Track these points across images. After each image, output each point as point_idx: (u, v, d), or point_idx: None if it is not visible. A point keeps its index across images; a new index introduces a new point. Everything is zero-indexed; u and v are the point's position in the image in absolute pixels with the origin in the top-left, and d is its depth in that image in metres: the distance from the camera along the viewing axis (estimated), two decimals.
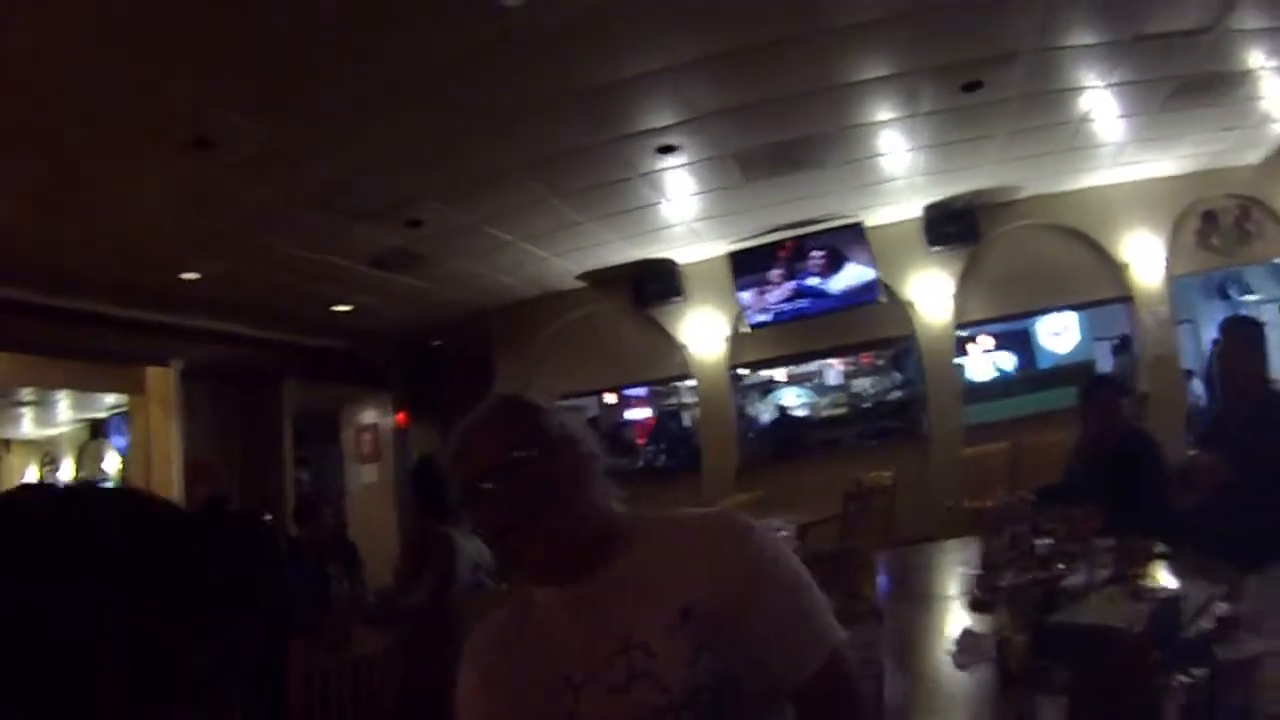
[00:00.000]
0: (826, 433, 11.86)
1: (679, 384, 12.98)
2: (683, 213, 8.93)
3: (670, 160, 7.27)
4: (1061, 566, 3.23)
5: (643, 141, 6.82)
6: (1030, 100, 7.23)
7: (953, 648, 2.68)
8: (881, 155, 8.15)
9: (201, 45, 4.49)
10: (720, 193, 8.44)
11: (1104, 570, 3.19)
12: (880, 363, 13.01)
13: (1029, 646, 2.16)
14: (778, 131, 7.08)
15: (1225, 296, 15.50)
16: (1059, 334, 14.94)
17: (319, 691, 3.54)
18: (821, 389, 13.72)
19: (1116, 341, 12.82)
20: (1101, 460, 4.47)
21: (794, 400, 13.42)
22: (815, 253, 9.97)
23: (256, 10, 4.31)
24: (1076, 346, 15.12)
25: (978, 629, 2.78)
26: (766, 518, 7.44)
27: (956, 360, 10.90)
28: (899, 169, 8.64)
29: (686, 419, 14.02)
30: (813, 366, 13.09)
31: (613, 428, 13.79)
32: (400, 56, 5.02)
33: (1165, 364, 10.55)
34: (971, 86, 6.63)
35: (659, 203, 8.40)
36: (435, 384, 12.44)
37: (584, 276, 10.60)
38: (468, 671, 1.68)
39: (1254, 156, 10.33)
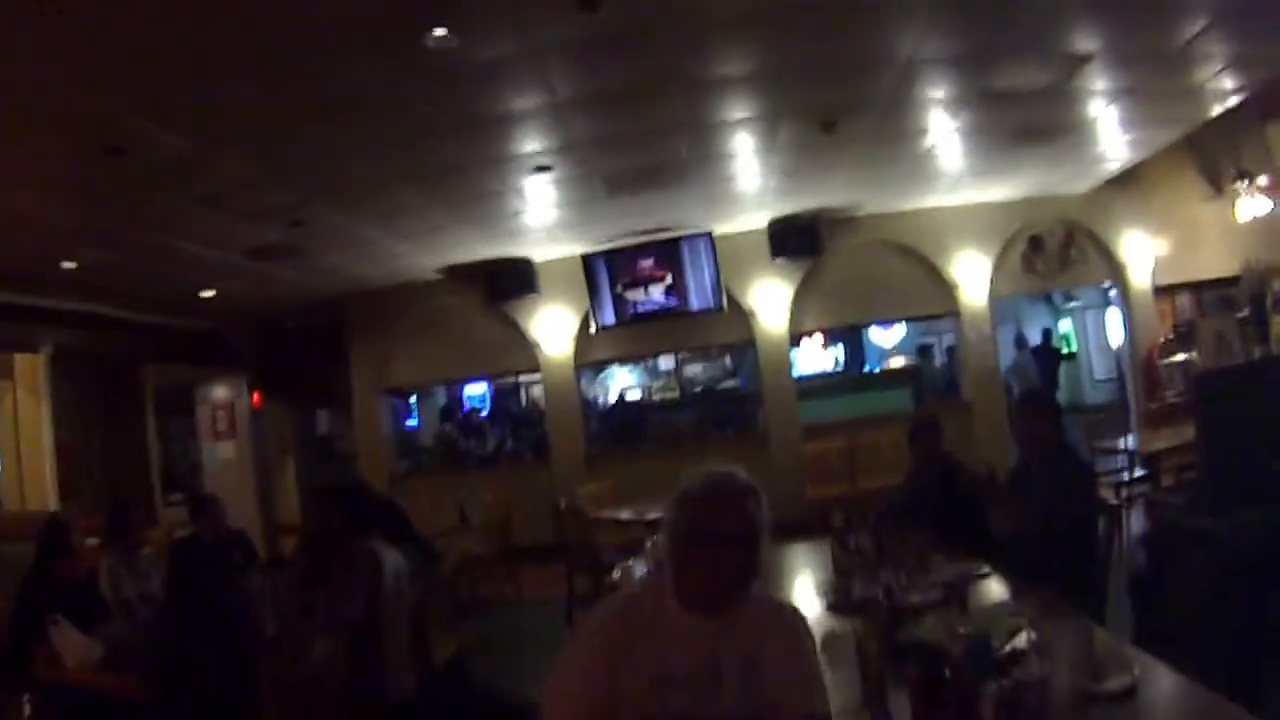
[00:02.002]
0: (662, 416, 12.85)
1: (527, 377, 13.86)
2: (544, 219, 9.62)
3: (542, 176, 8.01)
4: (903, 584, 3.74)
5: (520, 162, 7.55)
6: (880, 137, 8.16)
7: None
8: (737, 178, 9.08)
9: (125, 57, 4.76)
10: (582, 204, 9.17)
11: (935, 591, 3.67)
12: (713, 350, 13.93)
13: (882, 655, 2.64)
14: (643, 157, 7.91)
15: (1049, 300, 17.39)
16: (888, 328, 16.39)
17: (286, 706, 4.09)
18: (654, 373, 14.75)
19: (918, 345, 14.56)
20: (929, 489, 5.31)
21: (627, 381, 14.58)
22: (665, 259, 10.79)
23: (178, 28, 4.55)
24: (902, 341, 16.61)
25: (838, 631, 3.36)
26: (624, 507, 8.52)
27: (794, 363, 12.02)
28: (751, 189, 9.50)
29: (524, 398, 15.19)
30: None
31: (464, 414, 14.66)
32: (307, 81, 5.43)
33: (987, 377, 11.79)
34: (828, 127, 7.52)
35: (524, 211, 9.19)
36: (290, 364, 12.82)
37: (443, 270, 11.21)
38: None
39: (1081, 187, 11.59)
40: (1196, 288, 12.32)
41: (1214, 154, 11.56)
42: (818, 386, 12.57)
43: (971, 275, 11.65)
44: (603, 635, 2.39)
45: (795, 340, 12.24)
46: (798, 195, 10.02)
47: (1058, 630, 2.66)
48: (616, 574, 4.99)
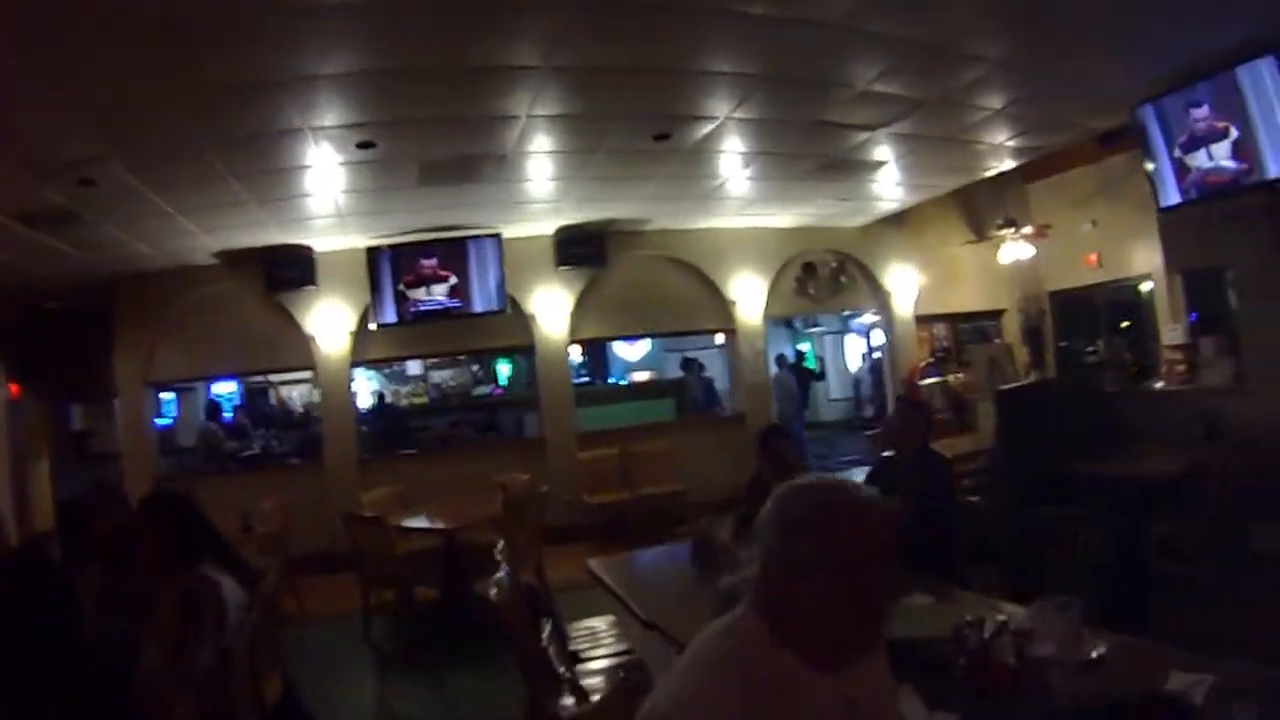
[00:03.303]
0: (421, 421, 13.11)
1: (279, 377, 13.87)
2: (339, 204, 9.08)
3: (355, 155, 7.49)
4: None
5: (343, 135, 7.03)
6: (697, 154, 8.58)
7: None
8: (548, 180, 9.15)
9: None
10: (387, 192, 8.88)
11: None
12: (461, 357, 14.15)
13: None
14: (466, 146, 7.70)
15: (790, 325, 19.09)
16: (634, 342, 17.27)
17: None
18: (402, 377, 14.99)
19: (681, 358, 15.23)
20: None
21: (374, 385, 14.66)
22: (451, 258, 10.86)
23: None
24: (646, 355, 17.78)
25: None
26: (410, 514, 8.55)
27: (571, 370, 12.48)
28: (550, 193, 9.67)
29: (272, 396, 15.18)
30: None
31: (233, 412, 14.37)
32: (113, 11, 4.69)
33: (759, 390, 12.66)
34: (661, 138, 7.87)
35: (322, 194, 8.69)
36: (50, 351, 11.95)
37: (220, 255, 10.52)
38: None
39: (857, 221, 12.74)
40: (953, 319, 13.74)
41: (979, 205, 13.10)
42: (587, 394, 13.22)
43: (748, 294, 12.52)
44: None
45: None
46: (590, 204, 10.34)
47: (1041, 616, 3.06)
48: (493, 592, 4.25)
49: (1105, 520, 4.79)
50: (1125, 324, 12.83)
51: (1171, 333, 10.30)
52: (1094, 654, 2.98)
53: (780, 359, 15.06)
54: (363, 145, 7.26)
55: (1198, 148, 7.65)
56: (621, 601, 4.61)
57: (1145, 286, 12.39)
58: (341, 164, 7.74)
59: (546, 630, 4.51)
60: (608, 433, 11.97)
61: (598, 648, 5.09)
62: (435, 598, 7.91)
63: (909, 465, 5.34)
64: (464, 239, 10.84)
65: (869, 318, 18.29)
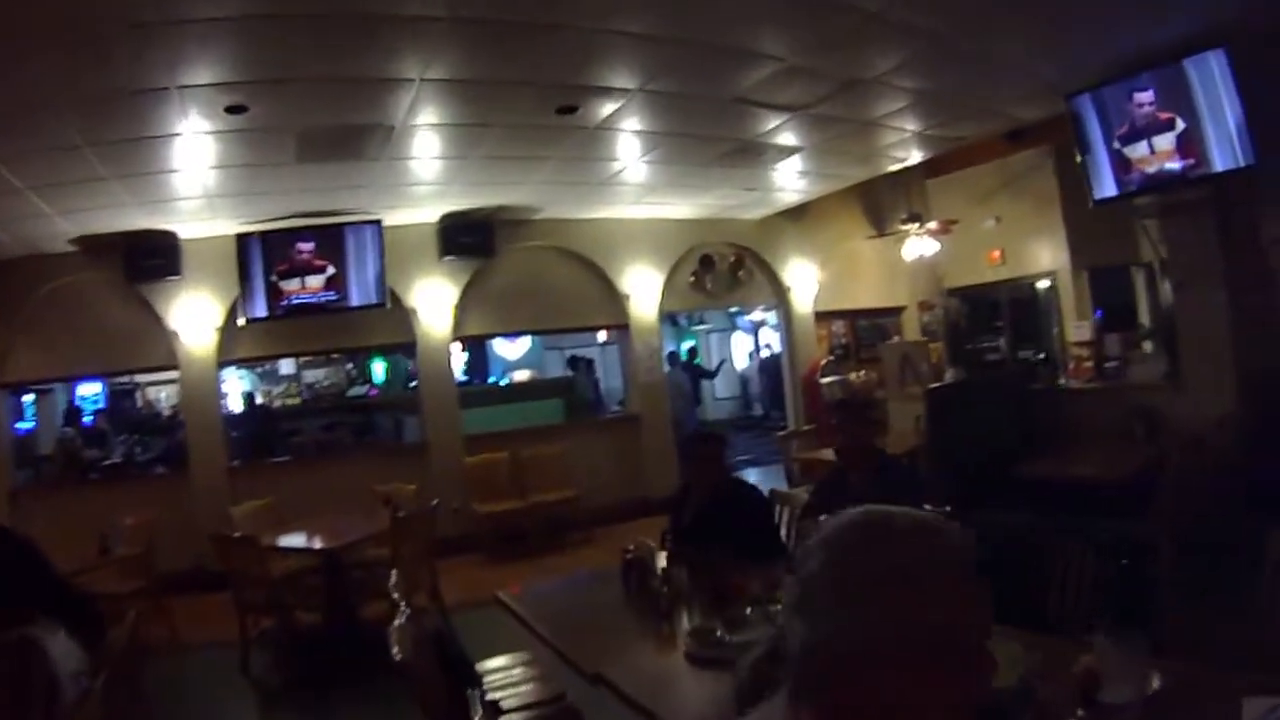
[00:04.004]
0: (293, 425, 12.24)
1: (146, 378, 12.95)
2: (205, 182, 8.22)
3: (226, 122, 6.62)
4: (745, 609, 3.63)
5: (210, 97, 6.13)
6: (599, 134, 8.05)
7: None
8: (435, 159, 8.47)
9: None
10: (259, 170, 8.11)
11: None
12: (335, 355, 13.33)
13: None
14: (349, 115, 6.90)
15: (675, 323, 18.92)
16: (515, 339, 16.86)
17: None
18: (274, 377, 14.11)
19: (570, 357, 14.85)
20: (714, 507, 5.09)
21: (243, 385, 13.82)
22: (327, 247, 10.10)
23: None
24: (527, 354, 17.36)
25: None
26: (285, 532, 7.80)
27: (455, 369, 11.80)
28: (435, 174, 8.98)
29: (139, 399, 14.21)
30: None
31: (93, 416, 13.40)
32: None
33: (654, 390, 12.29)
34: (566, 111, 7.25)
35: (179, 170, 7.76)
36: None
37: (77, 241, 9.57)
38: None
39: (755, 214, 12.46)
40: (853, 315, 13.66)
41: (881, 200, 13.12)
42: (471, 395, 12.48)
43: (643, 289, 12.11)
44: None
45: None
46: (480, 189, 9.76)
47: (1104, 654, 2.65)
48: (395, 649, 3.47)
49: (1103, 530, 4.52)
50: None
51: (1078, 329, 10.33)
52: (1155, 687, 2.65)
53: (673, 357, 14.79)
54: (233, 110, 6.36)
55: (1138, 139, 7.56)
56: (547, 643, 4.05)
57: (1042, 284, 12.50)
58: (210, 133, 6.86)
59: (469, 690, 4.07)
60: (495, 436, 11.35)
61: (517, 695, 4.42)
62: (318, 623, 7.16)
63: (868, 478, 4.85)
64: (341, 225, 10.06)
65: (758, 314, 18.24)
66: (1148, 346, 9.36)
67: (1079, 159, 7.99)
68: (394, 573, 5.18)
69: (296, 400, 13.23)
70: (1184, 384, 8.07)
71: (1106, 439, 8.15)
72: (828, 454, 9.72)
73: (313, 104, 6.61)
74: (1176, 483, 6.44)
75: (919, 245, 12.22)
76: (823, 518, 3.88)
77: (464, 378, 14.14)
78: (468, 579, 9.05)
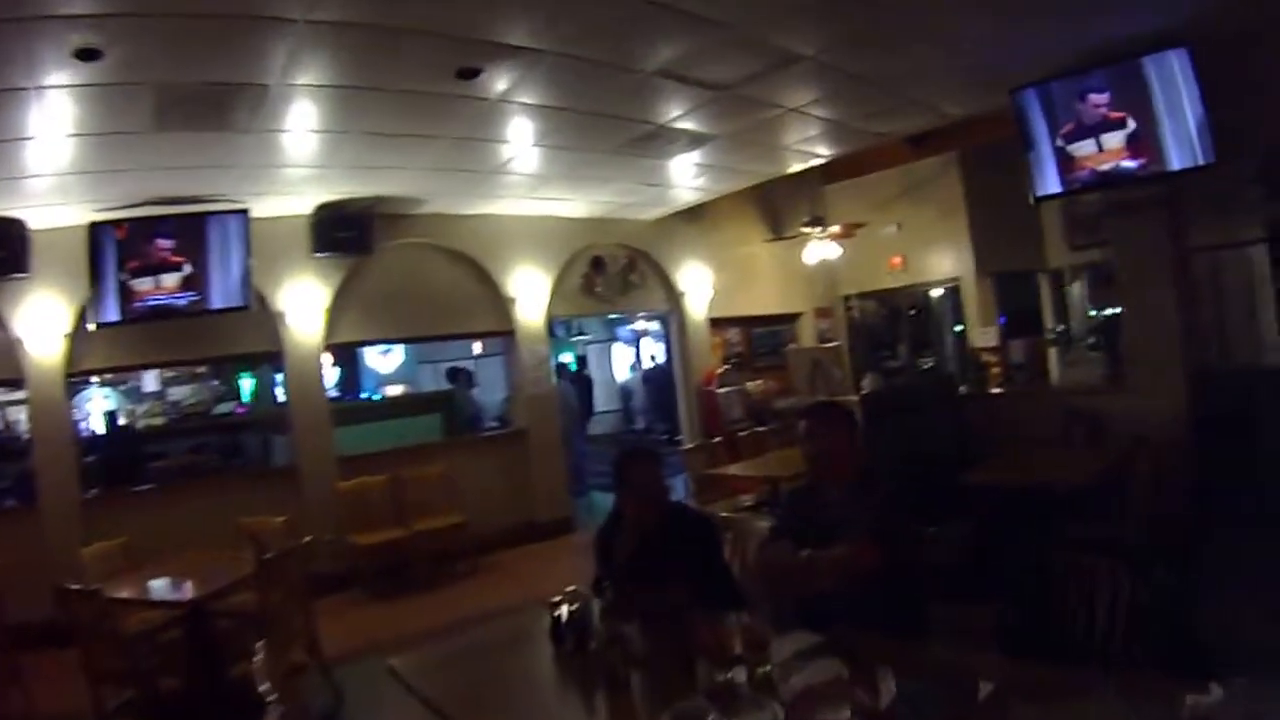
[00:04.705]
0: (158, 448, 10.75)
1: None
2: (55, 159, 7.01)
3: (77, 72, 5.51)
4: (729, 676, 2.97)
5: (52, 34, 5.02)
6: (495, 111, 7.20)
7: None
8: (312, 133, 7.35)
9: None
10: (107, 140, 6.79)
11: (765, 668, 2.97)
12: (201, 370, 12.08)
13: None
14: (215, 69, 5.77)
15: (553, 334, 17.83)
16: (388, 352, 15.91)
17: None
18: (137, 395, 12.60)
19: (448, 369, 13.74)
20: (660, 541, 4.25)
21: (105, 405, 12.16)
22: (187, 240, 8.75)
23: None
24: (400, 368, 16.37)
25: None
26: (143, 577, 6.60)
27: (325, 383, 10.44)
28: (310, 153, 7.88)
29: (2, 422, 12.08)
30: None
31: None
32: None
33: (542, 402, 11.42)
34: (467, 75, 6.30)
35: (25, 135, 6.48)
36: None
37: None
38: None
39: (649, 214, 11.84)
40: (748, 322, 13.38)
41: (778, 203, 12.87)
42: (342, 412, 11.22)
43: (530, 292, 11.29)
44: None
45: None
46: (359, 174, 8.70)
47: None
48: None
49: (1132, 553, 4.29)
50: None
51: (984, 335, 10.21)
52: None
53: (561, 368, 13.96)
54: (85, 55, 5.25)
55: (1086, 136, 7.47)
56: None
57: (935, 293, 12.46)
58: (60, 87, 5.67)
59: None
60: (371, 457, 10.19)
61: None
62: (181, 689, 5.97)
63: (851, 491, 3.96)
64: (204, 215, 8.73)
65: (640, 324, 17.59)
66: (1086, 349, 9.38)
67: (1025, 154, 7.82)
68: (259, 648, 4.06)
69: (161, 420, 11.57)
70: (1128, 386, 8.03)
71: (1047, 443, 8.01)
72: (736, 469, 9.23)
73: (176, 50, 5.43)
74: (1151, 486, 6.34)
75: (821, 249, 11.87)
76: (805, 553, 3.49)
77: (335, 393, 13.00)
78: (349, 623, 8.15)
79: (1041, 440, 8.07)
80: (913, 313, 13.22)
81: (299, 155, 7.87)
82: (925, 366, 12.27)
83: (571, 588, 3.75)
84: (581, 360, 17.81)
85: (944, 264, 11.96)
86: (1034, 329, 10.82)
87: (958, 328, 12.34)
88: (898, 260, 12.38)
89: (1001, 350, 9.61)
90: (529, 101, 7.08)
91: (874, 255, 12.48)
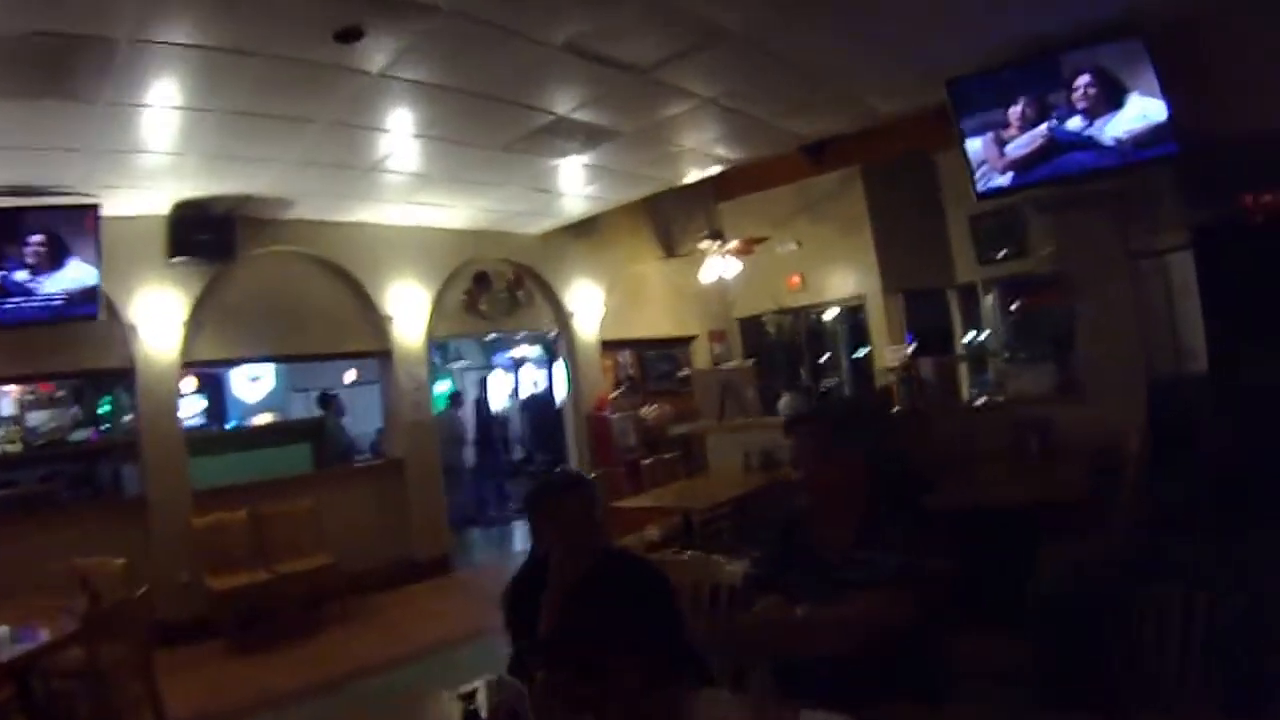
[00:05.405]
0: (8, 478, 9.50)
1: None
2: None
3: None
4: None
5: None
6: (373, 93, 6.42)
7: None
8: (172, 109, 6.39)
9: None
10: None
11: None
12: (60, 393, 10.91)
13: None
14: (40, 13, 4.81)
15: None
16: (256, 379, 14.95)
17: None
18: None
19: (319, 394, 12.93)
20: (596, 597, 3.28)
21: None
22: (33, 236, 7.71)
23: None
24: (270, 396, 15.45)
25: None
26: None
27: (183, 402, 9.50)
28: (169, 138, 6.96)
29: None
30: None
31: None
32: None
33: (422, 431, 10.64)
34: (347, 37, 5.46)
35: None
36: None
37: None
38: None
39: (539, 227, 11.27)
40: (640, 345, 13.01)
41: (670, 219, 12.57)
42: (202, 440, 10.23)
43: (408, 309, 10.53)
44: None
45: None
46: (223, 166, 7.80)
47: None
48: None
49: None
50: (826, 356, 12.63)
51: (893, 353, 10.04)
52: None
53: (456, 397, 13.21)
54: None
55: (1033, 127, 7.16)
56: None
57: (829, 315, 12.22)
58: None
59: None
60: (230, 490, 9.20)
61: None
62: None
63: (856, 530, 3.40)
64: (47, 210, 7.70)
65: (519, 350, 16.90)
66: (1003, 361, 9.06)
67: (961, 149, 7.53)
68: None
69: (18, 447, 10.28)
70: (1084, 394, 7.64)
71: (1000, 460, 7.48)
72: (648, 500, 8.60)
73: None
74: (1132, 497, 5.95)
75: (719, 266, 11.41)
76: (800, 610, 3.03)
77: (199, 422, 12.05)
78: (206, 679, 7.28)
79: (993, 455, 7.53)
80: (814, 333, 12.96)
81: (154, 140, 6.98)
82: (825, 388, 11.98)
83: (493, 677, 2.71)
84: (483, 383, 17.20)
85: (846, 283, 11.69)
86: (944, 347, 10.64)
87: (864, 349, 12.11)
88: (796, 279, 12.08)
89: (913, 369, 9.29)
90: (414, 78, 6.33)
91: (772, 275, 12.17)
